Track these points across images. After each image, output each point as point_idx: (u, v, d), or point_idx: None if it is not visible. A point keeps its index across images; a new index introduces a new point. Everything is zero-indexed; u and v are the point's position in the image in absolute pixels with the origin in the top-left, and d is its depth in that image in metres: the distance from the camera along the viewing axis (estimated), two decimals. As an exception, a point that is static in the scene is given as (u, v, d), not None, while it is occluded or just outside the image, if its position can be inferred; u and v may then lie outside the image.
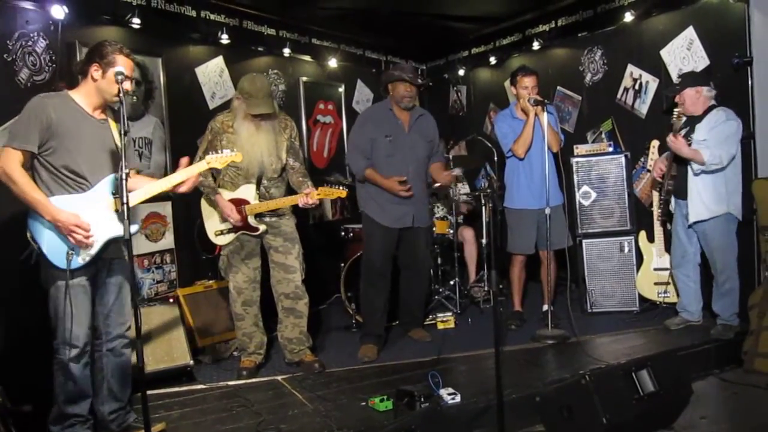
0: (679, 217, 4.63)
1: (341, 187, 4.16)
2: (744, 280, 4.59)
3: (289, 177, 4.33)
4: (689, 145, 4.31)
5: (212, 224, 4.27)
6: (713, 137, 4.28)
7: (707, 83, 4.47)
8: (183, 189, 3.37)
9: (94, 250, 3.08)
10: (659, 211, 4.79)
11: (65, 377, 3.11)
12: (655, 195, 4.94)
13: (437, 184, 4.91)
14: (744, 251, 4.65)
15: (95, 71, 3.09)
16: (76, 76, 3.21)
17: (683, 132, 4.44)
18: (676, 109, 4.42)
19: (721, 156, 4.22)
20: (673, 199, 4.63)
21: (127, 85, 3.07)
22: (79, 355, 3.10)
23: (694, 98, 4.41)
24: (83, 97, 3.15)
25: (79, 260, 3.05)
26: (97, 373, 3.29)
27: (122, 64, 3.08)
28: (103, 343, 3.28)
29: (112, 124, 3.24)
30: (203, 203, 4.31)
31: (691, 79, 4.52)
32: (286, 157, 4.28)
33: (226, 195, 4.17)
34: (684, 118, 4.52)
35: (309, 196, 4.07)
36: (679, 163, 4.47)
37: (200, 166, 3.46)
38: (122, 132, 2.84)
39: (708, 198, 4.35)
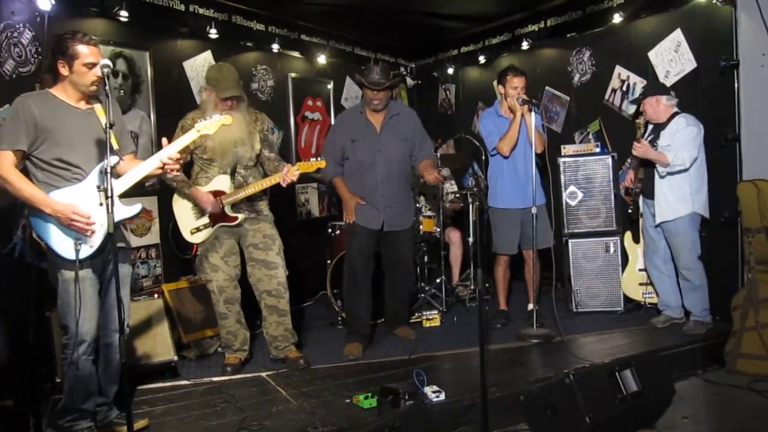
0: (648, 216, 4.81)
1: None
2: (728, 282, 4.66)
3: (265, 167, 4.31)
4: (655, 149, 4.54)
5: (186, 223, 4.22)
6: (675, 142, 4.51)
7: (667, 93, 4.74)
8: (173, 167, 3.23)
9: (99, 237, 3.07)
10: (629, 211, 5.02)
11: (74, 373, 3.11)
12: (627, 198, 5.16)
13: (422, 180, 4.83)
14: (728, 253, 4.71)
15: (62, 68, 3.07)
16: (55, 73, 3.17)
17: (649, 138, 4.65)
18: (637, 120, 4.64)
19: (683, 158, 4.44)
20: (641, 199, 4.86)
21: (98, 72, 3.04)
22: (86, 349, 3.11)
23: (654, 106, 4.66)
24: (62, 92, 3.15)
25: (88, 248, 3.05)
26: None
27: (84, 53, 3.04)
28: (100, 338, 3.26)
29: (99, 111, 3.21)
30: (174, 202, 4.26)
31: (651, 89, 4.82)
32: (261, 148, 4.27)
33: (200, 190, 4.14)
34: (650, 126, 4.74)
35: (288, 172, 4.04)
36: (646, 166, 4.70)
37: (191, 136, 3.39)
38: (107, 126, 2.83)
39: (673, 199, 4.56)
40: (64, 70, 3.07)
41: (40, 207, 2.99)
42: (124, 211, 3.13)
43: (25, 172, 3.09)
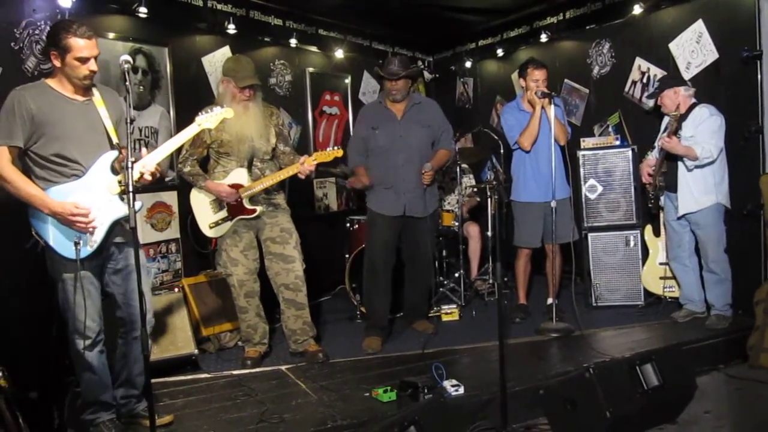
0: (671, 209, 4.75)
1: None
2: (749, 276, 4.61)
3: (281, 162, 4.32)
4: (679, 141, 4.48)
5: (205, 217, 4.23)
6: (700, 133, 4.43)
7: (684, 83, 4.69)
8: (148, 177, 3.06)
9: (99, 235, 3.04)
10: (650, 206, 4.94)
11: (82, 366, 3.13)
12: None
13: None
14: (751, 246, 4.65)
15: (54, 59, 2.96)
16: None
17: (667, 131, 4.55)
18: (672, 114, 4.52)
19: (711, 150, 4.38)
20: (663, 193, 4.80)
21: (93, 66, 2.98)
22: (92, 345, 3.11)
23: (673, 98, 4.60)
24: (58, 83, 3.04)
25: (88, 248, 3.02)
26: (119, 359, 3.30)
27: (78, 47, 2.91)
28: (128, 332, 3.27)
29: (98, 102, 3.11)
30: (192, 197, 4.27)
31: (667, 81, 4.75)
32: (276, 142, 4.28)
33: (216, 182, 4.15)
34: (666, 119, 4.67)
35: (305, 162, 4.05)
36: (670, 159, 4.62)
37: (192, 130, 3.33)
38: (128, 121, 2.76)
39: (697, 190, 4.50)
40: (56, 62, 2.95)
41: (38, 208, 2.93)
42: (122, 209, 3.04)
43: (24, 166, 3.02)
